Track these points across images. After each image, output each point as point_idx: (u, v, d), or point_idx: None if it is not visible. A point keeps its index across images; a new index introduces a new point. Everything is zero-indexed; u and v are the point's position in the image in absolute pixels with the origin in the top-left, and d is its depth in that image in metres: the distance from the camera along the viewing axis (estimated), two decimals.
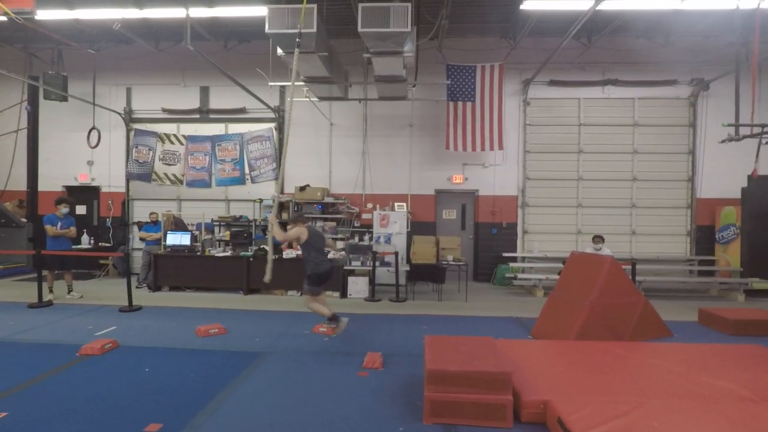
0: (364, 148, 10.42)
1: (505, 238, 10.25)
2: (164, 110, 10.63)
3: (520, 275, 9.23)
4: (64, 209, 7.66)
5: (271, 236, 5.42)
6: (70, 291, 7.67)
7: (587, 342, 4.71)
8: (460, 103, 9.65)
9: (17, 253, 9.77)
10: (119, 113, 10.64)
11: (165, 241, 8.65)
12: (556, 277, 8.71)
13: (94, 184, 10.74)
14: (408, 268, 8.28)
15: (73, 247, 8.42)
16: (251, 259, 8.30)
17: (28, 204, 10.63)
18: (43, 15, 7.54)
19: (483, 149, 9.70)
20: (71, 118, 10.74)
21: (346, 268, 8.25)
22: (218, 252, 8.67)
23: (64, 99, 10.07)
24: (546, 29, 9.36)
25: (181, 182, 10.38)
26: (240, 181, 10.29)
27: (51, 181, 10.85)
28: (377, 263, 8.13)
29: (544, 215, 10.24)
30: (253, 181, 10.14)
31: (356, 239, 9.72)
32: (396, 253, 8.38)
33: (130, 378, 4.20)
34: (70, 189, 10.75)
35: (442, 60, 9.69)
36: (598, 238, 8.20)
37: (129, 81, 10.74)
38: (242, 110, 10.52)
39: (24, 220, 10.27)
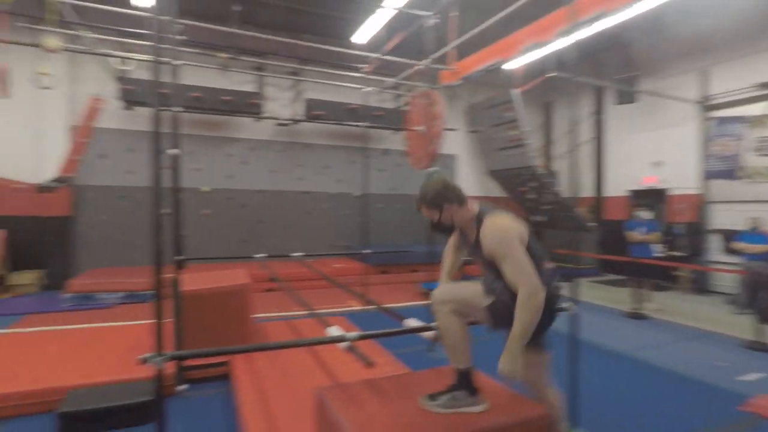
0: None
1: None
2: (758, 86, 8.13)
3: None
4: (640, 213, 7.52)
5: None
6: (647, 301, 7.01)
7: None
8: None
9: (584, 255, 10.33)
10: (693, 102, 9.10)
11: None
12: None
13: (661, 186, 9.76)
14: None
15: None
16: None
17: (595, 209, 11.13)
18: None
19: None
20: (636, 119, 10.30)
21: None
22: None
23: (632, 100, 9.82)
24: None
25: None
26: None
27: (615, 185, 10.88)
28: None
29: None
30: None
31: None
32: None
33: None
34: (635, 193, 10.31)
35: None
36: None
37: (703, 63, 9.01)
38: None
39: (592, 224, 10.79)
